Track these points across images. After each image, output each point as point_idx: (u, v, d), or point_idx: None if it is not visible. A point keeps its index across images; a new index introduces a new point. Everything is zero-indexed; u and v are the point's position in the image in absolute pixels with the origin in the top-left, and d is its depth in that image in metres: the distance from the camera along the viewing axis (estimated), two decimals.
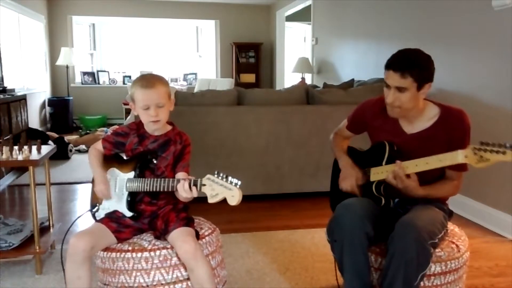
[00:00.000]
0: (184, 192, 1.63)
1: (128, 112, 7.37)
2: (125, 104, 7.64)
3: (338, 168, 2.07)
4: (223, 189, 1.55)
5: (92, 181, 1.90)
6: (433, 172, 1.71)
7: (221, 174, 1.57)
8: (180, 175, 1.79)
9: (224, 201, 1.56)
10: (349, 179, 1.92)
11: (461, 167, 1.77)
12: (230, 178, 1.55)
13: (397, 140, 1.85)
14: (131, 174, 1.79)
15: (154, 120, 1.76)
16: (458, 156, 1.57)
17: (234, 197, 1.53)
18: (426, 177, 1.75)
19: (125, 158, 1.87)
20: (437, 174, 1.80)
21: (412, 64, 1.68)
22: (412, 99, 1.73)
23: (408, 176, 1.70)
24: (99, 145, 1.90)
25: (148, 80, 1.76)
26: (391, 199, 1.86)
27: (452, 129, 1.77)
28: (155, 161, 1.79)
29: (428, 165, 1.67)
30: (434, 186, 1.81)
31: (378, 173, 1.84)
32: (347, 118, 2.11)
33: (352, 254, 1.68)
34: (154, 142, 1.83)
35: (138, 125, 1.86)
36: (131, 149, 1.84)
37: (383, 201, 1.84)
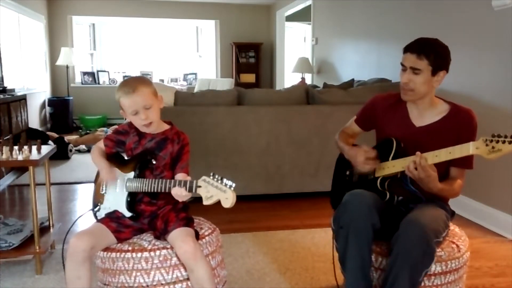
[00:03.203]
0: (178, 193, 1.64)
1: None
2: None
3: (340, 166, 2.06)
4: (218, 191, 1.54)
5: (95, 181, 1.91)
6: (438, 170, 1.70)
7: (216, 176, 1.56)
8: (179, 176, 1.78)
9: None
10: (359, 157, 1.87)
11: (466, 164, 1.79)
12: (225, 180, 1.54)
13: (406, 133, 1.86)
14: (131, 174, 1.79)
15: (146, 124, 1.76)
16: (470, 148, 1.57)
17: (228, 200, 1.52)
18: None
19: (126, 158, 1.87)
20: (442, 173, 1.78)
21: (429, 48, 1.75)
22: (426, 83, 1.76)
23: None
24: (101, 144, 1.91)
25: (130, 85, 1.75)
26: (395, 195, 1.86)
27: (460, 126, 1.80)
28: (154, 162, 1.79)
29: (438, 157, 1.66)
30: (446, 182, 1.79)
31: (384, 168, 1.84)
32: (356, 114, 2.13)
33: (357, 242, 1.67)
34: (151, 141, 1.82)
35: None
36: (131, 148, 1.84)
37: (388, 196, 1.84)
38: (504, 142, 1.48)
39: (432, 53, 1.74)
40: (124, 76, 9.22)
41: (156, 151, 1.81)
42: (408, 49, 1.78)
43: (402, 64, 1.81)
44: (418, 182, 1.71)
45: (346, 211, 1.71)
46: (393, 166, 1.79)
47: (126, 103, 1.74)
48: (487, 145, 1.51)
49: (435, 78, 1.77)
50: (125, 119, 1.85)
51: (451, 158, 1.65)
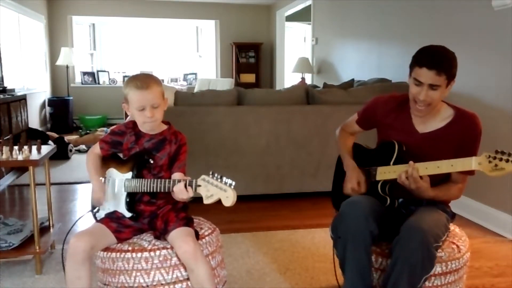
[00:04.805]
0: (180, 193, 1.63)
1: None
2: None
3: (341, 166, 2.06)
4: (218, 190, 1.54)
5: None
6: (441, 173, 1.70)
7: (216, 175, 1.56)
8: (176, 175, 1.78)
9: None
10: (350, 182, 1.93)
11: (468, 171, 1.76)
12: (224, 179, 1.54)
13: (408, 139, 1.85)
14: (129, 175, 1.78)
15: (149, 121, 1.76)
16: (472, 163, 1.57)
17: (228, 198, 1.52)
18: (434, 178, 1.74)
19: (122, 158, 1.86)
20: (444, 175, 1.79)
21: (446, 63, 1.69)
22: (441, 96, 1.75)
23: (420, 177, 1.69)
24: (96, 149, 1.89)
25: (143, 81, 1.74)
26: (396, 199, 1.85)
27: (464, 132, 1.78)
28: (151, 161, 1.78)
29: (439, 169, 1.66)
30: (441, 188, 1.80)
31: (385, 173, 1.83)
32: (357, 113, 2.10)
33: (355, 252, 1.67)
34: (149, 141, 1.82)
35: (134, 123, 1.85)
36: (128, 148, 1.84)
37: (388, 201, 1.83)
38: (507, 161, 1.47)
39: (449, 67, 1.69)
40: (124, 76, 9.21)
41: (153, 151, 1.80)
42: (424, 64, 1.69)
43: (416, 79, 1.72)
44: (410, 191, 1.73)
45: (343, 222, 1.71)
46: (394, 172, 1.78)
47: (135, 97, 1.74)
48: (490, 161, 1.50)
49: (448, 88, 1.74)
50: (125, 113, 1.85)
51: (452, 171, 1.67)
